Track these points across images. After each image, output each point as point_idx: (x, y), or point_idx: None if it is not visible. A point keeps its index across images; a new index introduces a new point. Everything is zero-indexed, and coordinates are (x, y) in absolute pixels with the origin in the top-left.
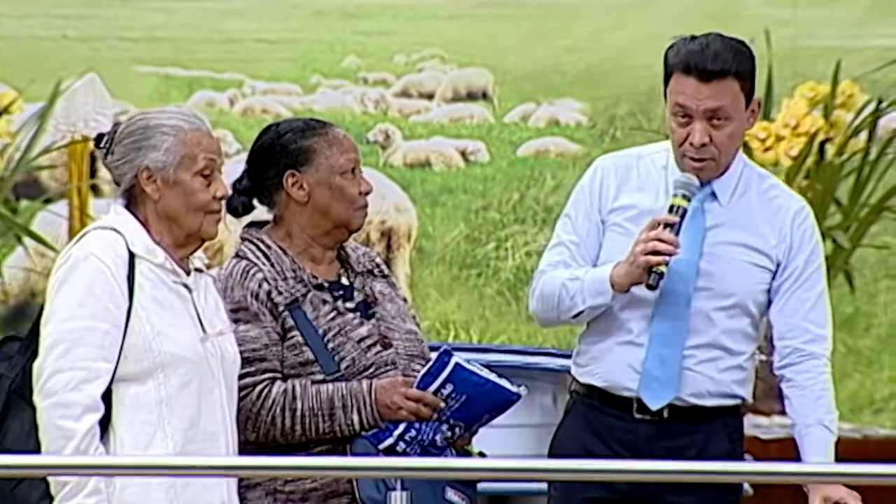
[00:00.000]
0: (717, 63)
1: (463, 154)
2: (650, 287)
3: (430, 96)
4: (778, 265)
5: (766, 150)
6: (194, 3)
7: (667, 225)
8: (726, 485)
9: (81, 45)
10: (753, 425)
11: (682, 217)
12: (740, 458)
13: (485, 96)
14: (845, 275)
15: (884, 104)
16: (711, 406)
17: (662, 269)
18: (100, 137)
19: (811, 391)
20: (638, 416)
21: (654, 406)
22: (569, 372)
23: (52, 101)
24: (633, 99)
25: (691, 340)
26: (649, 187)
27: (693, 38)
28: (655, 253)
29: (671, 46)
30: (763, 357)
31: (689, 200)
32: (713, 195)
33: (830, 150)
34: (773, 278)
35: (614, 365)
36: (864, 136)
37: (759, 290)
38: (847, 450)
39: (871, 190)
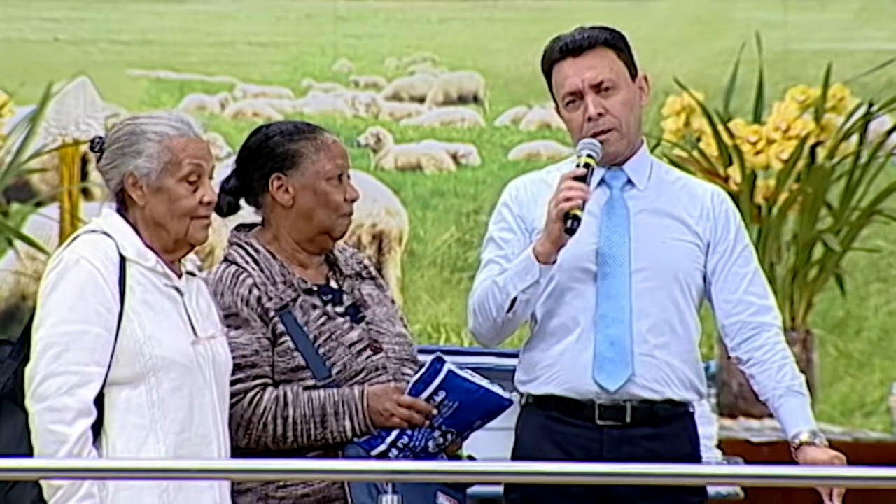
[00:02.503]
0: (585, 37)
1: (454, 157)
2: (569, 231)
3: (422, 100)
4: (708, 245)
5: (757, 153)
6: (185, 6)
7: (576, 179)
8: (691, 488)
9: (72, 48)
10: (744, 428)
11: (591, 172)
12: (699, 459)
13: (476, 99)
14: (836, 278)
15: (874, 107)
16: (676, 399)
17: (577, 212)
18: (94, 141)
19: (771, 363)
20: (601, 422)
21: (611, 387)
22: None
23: (43, 104)
24: None
25: (640, 323)
26: None
27: (559, 36)
28: (569, 199)
29: (544, 52)
30: None
31: (594, 159)
32: (629, 182)
33: (821, 153)
34: (707, 257)
35: (567, 365)
36: (854, 139)
37: (695, 269)
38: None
39: (862, 193)
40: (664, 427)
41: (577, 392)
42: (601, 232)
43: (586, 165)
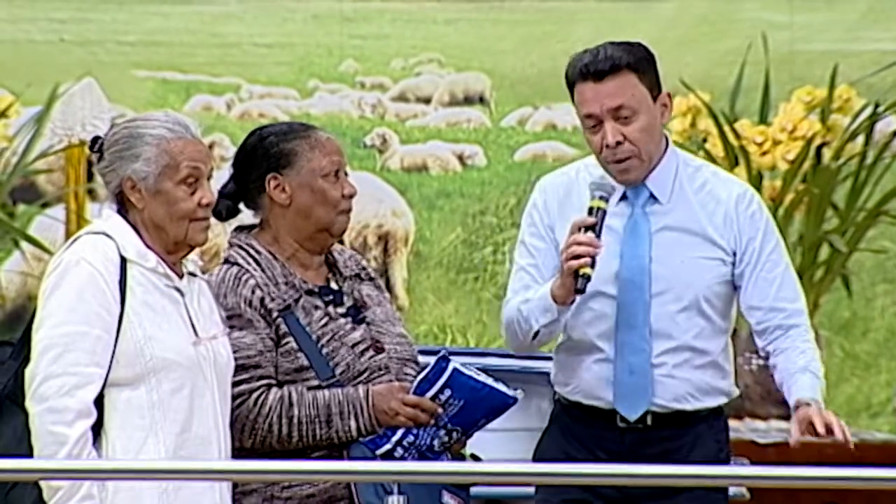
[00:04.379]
0: (608, 61)
1: (460, 158)
2: (577, 291)
3: (428, 100)
4: (734, 254)
5: (764, 153)
6: (191, 7)
7: (586, 228)
8: (713, 488)
9: (78, 49)
10: (751, 429)
11: (602, 218)
12: (726, 458)
13: (482, 100)
14: (842, 279)
15: (881, 108)
16: (694, 409)
17: (587, 271)
18: (94, 141)
19: (794, 348)
20: (622, 424)
21: (631, 417)
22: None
23: (49, 105)
24: None
25: (659, 346)
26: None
27: (586, 50)
28: (577, 257)
29: (569, 65)
30: (759, 361)
31: (606, 201)
32: (652, 197)
33: (827, 154)
34: (734, 267)
35: (590, 383)
36: (860, 140)
37: (717, 283)
38: (844, 454)
39: (868, 194)
40: (688, 428)
41: (602, 405)
42: (622, 254)
43: (598, 210)
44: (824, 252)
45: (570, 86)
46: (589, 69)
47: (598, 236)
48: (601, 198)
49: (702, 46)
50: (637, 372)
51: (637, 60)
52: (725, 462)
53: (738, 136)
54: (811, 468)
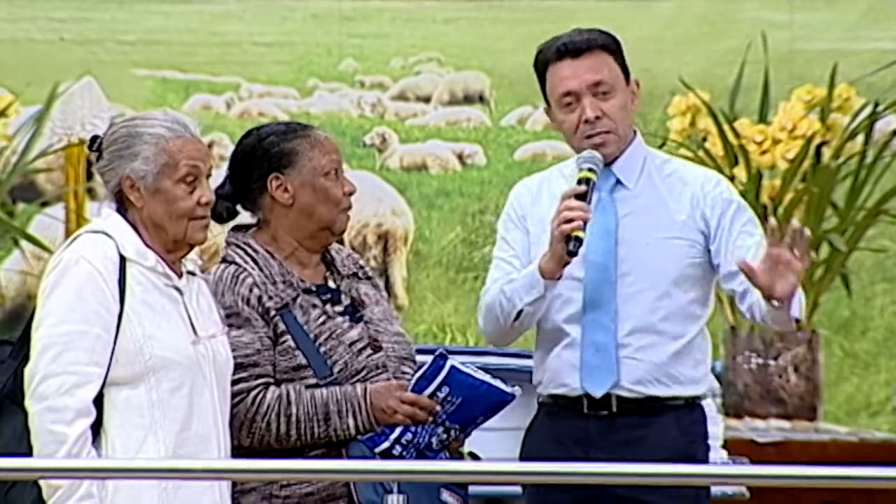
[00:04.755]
0: (583, 38)
1: (460, 157)
2: (570, 253)
3: (427, 99)
4: (704, 234)
5: (763, 153)
6: (191, 6)
7: (577, 196)
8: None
9: (78, 48)
10: (750, 428)
11: (591, 188)
12: (702, 455)
13: (481, 99)
14: (842, 278)
15: (880, 107)
16: (662, 396)
17: (579, 234)
18: (93, 140)
19: None
20: (588, 412)
21: (597, 394)
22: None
23: (49, 104)
24: None
25: (624, 328)
26: (560, 195)
27: (556, 37)
28: (569, 221)
29: (538, 52)
30: (759, 360)
31: (595, 173)
32: (619, 182)
33: (827, 153)
34: (708, 243)
35: (558, 370)
36: (860, 139)
37: (687, 265)
38: (844, 452)
39: (868, 193)
40: (653, 417)
41: (568, 392)
42: (589, 236)
43: (587, 181)
44: (824, 251)
45: (543, 71)
46: (567, 47)
47: (589, 204)
48: (590, 169)
49: (701, 45)
50: (603, 350)
51: (611, 42)
52: (697, 457)
53: (737, 135)
54: (811, 467)
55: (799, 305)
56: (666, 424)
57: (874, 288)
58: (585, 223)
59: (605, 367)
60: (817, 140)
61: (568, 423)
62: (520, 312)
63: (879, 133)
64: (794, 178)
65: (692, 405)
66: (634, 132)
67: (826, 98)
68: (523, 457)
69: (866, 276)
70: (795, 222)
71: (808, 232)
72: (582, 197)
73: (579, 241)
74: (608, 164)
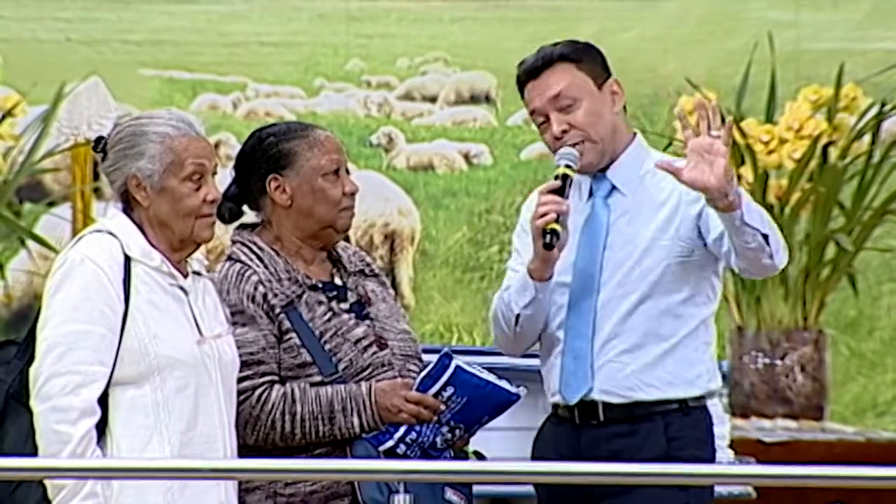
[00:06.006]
0: (540, 58)
1: (466, 157)
2: (546, 246)
3: (434, 99)
4: (696, 226)
5: (770, 152)
6: (197, 6)
7: (553, 192)
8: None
9: (85, 48)
10: (756, 428)
11: (568, 183)
12: (700, 458)
13: (488, 99)
14: (849, 278)
15: (887, 107)
16: (648, 400)
17: (555, 226)
18: (98, 141)
19: None
20: (580, 422)
21: (571, 400)
22: None
23: (56, 104)
24: (636, 102)
25: (608, 331)
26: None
27: (522, 61)
28: (543, 215)
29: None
30: (765, 360)
31: (571, 169)
32: (614, 188)
33: (833, 153)
34: (701, 235)
35: (552, 376)
36: (867, 139)
37: (676, 265)
38: (850, 452)
39: (875, 193)
40: (639, 424)
41: (560, 401)
42: (579, 245)
43: (564, 177)
44: (830, 251)
45: (521, 93)
46: (527, 70)
47: (566, 198)
48: (567, 166)
49: (707, 45)
50: (580, 356)
51: (571, 52)
52: (703, 459)
53: (744, 134)
54: (818, 467)
55: (758, 217)
56: (652, 430)
57: (881, 288)
58: (560, 216)
59: (581, 374)
60: (824, 140)
61: (564, 434)
62: (518, 317)
63: (886, 133)
64: (801, 177)
65: (687, 408)
66: (634, 134)
67: (832, 98)
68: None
69: (873, 276)
70: (700, 100)
71: (716, 108)
72: (560, 192)
73: (555, 233)
74: (602, 170)
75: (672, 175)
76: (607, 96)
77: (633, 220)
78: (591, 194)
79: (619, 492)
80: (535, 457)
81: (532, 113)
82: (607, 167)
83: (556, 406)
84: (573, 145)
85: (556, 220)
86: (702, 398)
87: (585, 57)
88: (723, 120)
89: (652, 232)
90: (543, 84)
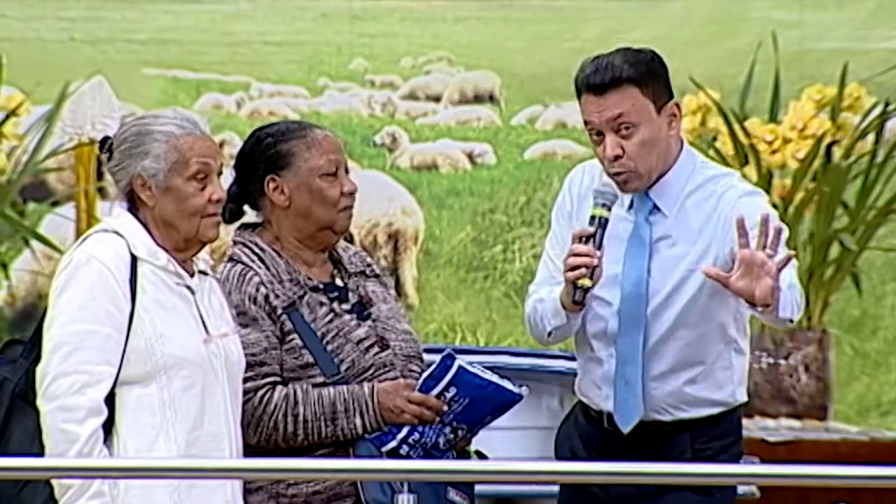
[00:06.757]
0: (608, 74)
1: (470, 157)
2: (575, 303)
3: (437, 99)
4: (732, 258)
5: (774, 152)
6: (201, 5)
7: (586, 238)
8: (700, 488)
9: (88, 47)
10: (760, 427)
11: (603, 227)
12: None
13: (492, 99)
14: (852, 277)
15: (891, 107)
16: (672, 421)
17: (585, 282)
18: (103, 141)
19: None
20: (608, 427)
21: (624, 428)
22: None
23: (60, 103)
24: None
25: (655, 357)
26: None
27: (597, 57)
28: (575, 268)
29: (578, 70)
30: (769, 360)
31: (608, 209)
32: (656, 207)
33: (837, 152)
34: (728, 263)
35: (585, 380)
36: (871, 138)
37: (715, 293)
38: (854, 452)
39: (879, 192)
40: (671, 438)
41: (591, 404)
42: (624, 263)
43: (600, 219)
44: (834, 250)
45: (578, 93)
46: (590, 82)
47: (599, 246)
48: (603, 205)
49: (711, 45)
50: (631, 383)
51: (640, 73)
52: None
53: (748, 134)
54: (822, 467)
55: (790, 306)
56: (677, 444)
57: (885, 287)
58: (594, 271)
59: (634, 400)
60: (828, 139)
61: (593, 430)
62: (550, 332)
63: (890, 132)
64: (805, 177)
65: (713, 419)
66: (680, 149)
67: (836, 97)
68: (556, 448)
69: (877, 276)
70: (765, 214)
71: (777, 222)
72: (591, 236)
73: (585, 290)
74: (647, 189)
75: (719, 281)
76: (665, 120)
77: (674, 245)
78: (631, 205)
79: (643, 500)
80: (563, 439)
81: (586, 123)
82: (651, 186)
83: (583, 404)
84: (620, 174)
85: (588, 275)
86: (727, 412)
87: (651, 79)
88: (778, 235)
89: (689, 263)
90: (605, 103)
